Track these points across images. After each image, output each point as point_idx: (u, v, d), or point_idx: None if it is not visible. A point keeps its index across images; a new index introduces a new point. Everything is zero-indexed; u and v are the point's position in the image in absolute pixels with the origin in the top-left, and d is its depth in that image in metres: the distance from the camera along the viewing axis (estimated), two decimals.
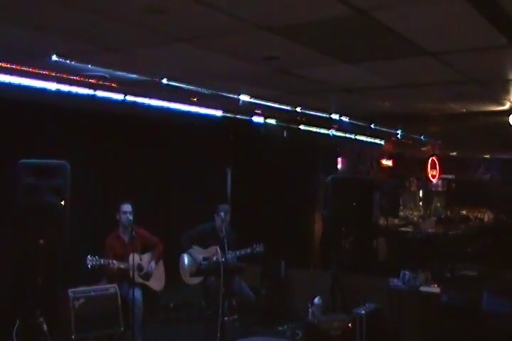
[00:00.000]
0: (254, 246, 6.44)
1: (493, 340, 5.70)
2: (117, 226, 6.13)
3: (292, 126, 8.55)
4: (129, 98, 6.24)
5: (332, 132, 9.28)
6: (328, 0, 3.21)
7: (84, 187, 6.49)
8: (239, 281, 6.20)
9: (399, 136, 10.29)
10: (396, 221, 12.34)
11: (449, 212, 15.18)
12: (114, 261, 5.72)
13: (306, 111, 7.80)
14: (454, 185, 15.93)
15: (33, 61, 4.90)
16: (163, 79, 5.65)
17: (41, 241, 4.76)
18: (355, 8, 3.35)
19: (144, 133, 7.50)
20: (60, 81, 5.41)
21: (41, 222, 4.74)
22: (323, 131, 9.14)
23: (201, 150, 8.24)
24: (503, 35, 3.86)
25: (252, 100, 6.83)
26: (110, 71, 5.25)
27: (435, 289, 6.29)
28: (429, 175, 12.50)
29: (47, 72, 5.18)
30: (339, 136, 9.48)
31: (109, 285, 5.78)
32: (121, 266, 5.73)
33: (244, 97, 6.70)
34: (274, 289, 7.70)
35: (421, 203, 15.41)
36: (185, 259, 6.31)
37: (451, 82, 5.72)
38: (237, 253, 6.34)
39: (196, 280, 6.23)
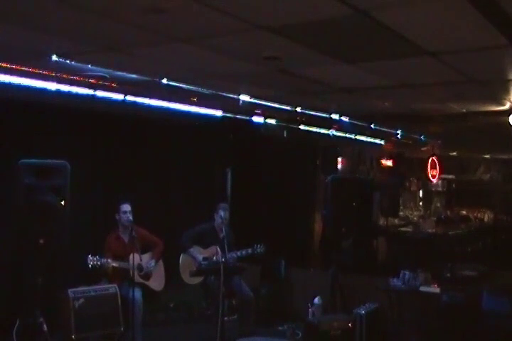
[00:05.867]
0: (255, 246, 6.44)
1: (493, 340, 5.70)
2: (117, 226, 6.14)
3: (292, 126, 8.55)
4: (129, 98, 6.24)
5: (332, 132, 9.28)
6: (328, 0, 3.21)
7: (84, 187, 6.49)
8: (239, 281, 6.20)
9: (399, 136, 10.28)
10: (396, 221, 12.33)
11: (449, 212, 15.16)
12: (115, 261, 5.73)
13: (306, 111, 7.79)
14: (454, 185, 15.92)
15: (33, 61, 4.90)
16: (163, 79, 5.66)
17: (41, 241, 4.76)
18: (355, 8, 3.34)
19: (143, 133, 7.50)
20: (60, 81, 5.40)
21: (41, 222, 4.74)
22: (323, 131, 9.13)
23: (201, 150, 8.24)
24: (503, 35, 3.86)
25: (252, 100, 6.83)
26: (110, 71, 5.25)
27: (435, 289, 6.28)
28: (429, 175, 12.48)
29: (47, 72, 5.18)
30: (339, 136, 9.47)
31: (109, 285, 5.79)
32: (122, 265, 5.74)
33: (244, 97, 6.70)
34: (274, 289, 7.70)
35: (421, 203, 15.39)
36: (186, 259, 6.32)
37: (451, 82, 5.72)
38: (238, 253, 6.36)
39: (196, 280, 6.24)
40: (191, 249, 6.32)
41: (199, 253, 6.33)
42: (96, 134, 7.02)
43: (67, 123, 6.59)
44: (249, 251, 6.42)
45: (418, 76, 5.55)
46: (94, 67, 5.08)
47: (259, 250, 6.45)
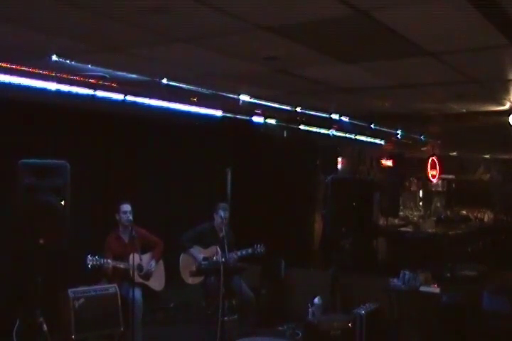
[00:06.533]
0: (255, 246, 6.44)
1: (493, 340, 5.70)
2: (117, 226, 6.14)
3: (292, 126, 8.54)
4: (129, 98, 6.24)
5: (332, 132, 9.27)
6: (328, 0, 3.21)
7: (84, 187, 6.48)
8: (239, 281, 6.20)
9: (399, 136, 10.28)
10: (396, 221, 12.34)
11: (449, 212, 15.17)
12: (115, 261, 5.73)
13: (306, 111, 7.80)
14: (454, 185, 15.92)
15: (33, 61, 4.90)
16: (163, 79, 5.66)
17: (41, 241, 4.75)
18: (355, 8, 3.35)
19: (144, 133, 7.50)
20: (60, 81, 5.40)
21: (41, 222, 4.73)
22: (323, 131, 9.13)
23: (201, 150, 8.24)
24: (503, 35, 3.86)
25: (252, 100, 6.83)
26: (110, 71, 5.25)
27: (435, 289, 6.29)
28: (429, 175, 12.48)
29: (47, 72, 5.17)
30: (339, 136, 9.47)
31: (109, 285, 5.78)
32: (122, 266, 5.74)
33: (244, 97, 6.70)
34: (274, 289, 7.70)
35: (421, 203, 15.39)
36: (186, 259, 6.32)
37: (451, 82, 5.72)
38: (238, 253, 6.36)
39: (196, 280, 6.24)
40: (191, 249, 6.32)
41: (199, 253, 6.33)
42: (96, 134, 7.02)
43: (67, 123, 6.58)
44: (249, 251, 6.42)
45: (418, 76, 5.55)
46: (94, 67, 5.08)
47: (259, 250, 6.45)
